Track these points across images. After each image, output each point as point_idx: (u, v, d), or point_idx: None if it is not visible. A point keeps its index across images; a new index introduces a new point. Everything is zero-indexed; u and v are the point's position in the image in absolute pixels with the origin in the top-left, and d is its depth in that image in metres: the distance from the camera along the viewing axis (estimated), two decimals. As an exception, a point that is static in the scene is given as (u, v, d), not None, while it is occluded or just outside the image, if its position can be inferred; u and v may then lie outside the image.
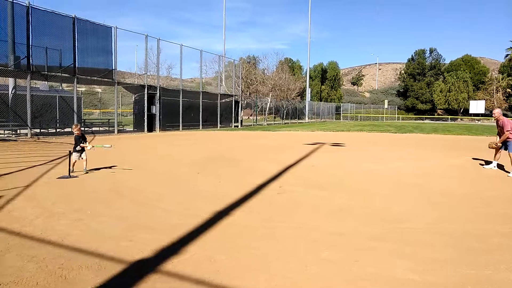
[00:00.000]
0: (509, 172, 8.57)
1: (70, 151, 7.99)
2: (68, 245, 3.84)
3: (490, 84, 72.68)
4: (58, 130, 20.34)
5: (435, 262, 3.51)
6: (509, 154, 8.83)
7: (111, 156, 8.66)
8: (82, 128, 20.65)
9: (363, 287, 3.03)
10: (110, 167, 8.68)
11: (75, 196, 6.02)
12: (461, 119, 69.24)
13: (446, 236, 4.27)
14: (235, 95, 34.00)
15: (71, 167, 7.83)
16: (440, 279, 3.17)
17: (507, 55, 69.07)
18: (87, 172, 8.01)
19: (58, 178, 7.41)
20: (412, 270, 3.33)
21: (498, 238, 4.24)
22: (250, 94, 54.23)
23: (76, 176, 7.57)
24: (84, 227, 4.43)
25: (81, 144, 8.10)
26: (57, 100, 20.96)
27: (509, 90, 71.23)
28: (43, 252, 3.62)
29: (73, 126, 8.40)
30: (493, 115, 9.41)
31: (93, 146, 8.46)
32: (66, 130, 20.05)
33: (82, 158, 8.11)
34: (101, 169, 8.45)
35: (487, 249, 3.90)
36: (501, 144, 9.05)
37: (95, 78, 20.49)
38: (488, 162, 9.90)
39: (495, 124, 9.50)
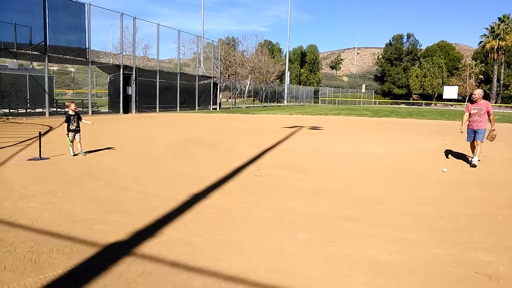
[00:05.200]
0: (472, 158, 8.05)
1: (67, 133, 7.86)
2: (39, 228, 3.72)
3: (463, 70, 74.40)
4: (28, 110, 19.57)
5: (407, 243, 3.61)
6: (478, 143, 8.03)
7: (85, 138, 8.40)
8: (54, 109, 20.05)
9: (338, 267, 3.08)
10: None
11: (46, 178, 5.83)
12: (435, 104, 70.92)
13: (418, 217, 4.39)
14: (213, 77, 33.52)
15: (71, 149, 7.77)
16: (411, 258, 3.26)
17: (480, 42, 70.64)
18: (84, 154, 7.86)
19: (29, 160, 7.16)
20: (385, 250, 3.41)
21: (466, 219, 4.39)
22: (229, 76, 53.69)
23: (47, 158, 7.33)
24: (55, 210, 4.30)
25: (82, 121, 8.02)
26: (27, 79, 20.08)
27: (482, 77, 73.22)
28: (11, 236, 3.50)
29: (68, 103, 8.07)
30: (473, 96, 8.24)
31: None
32: (37, 110, 19.33)
33: (76, 139, 7.90)
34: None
35: (456, 229, 4.03)
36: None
37: (68, 56, 19.71)
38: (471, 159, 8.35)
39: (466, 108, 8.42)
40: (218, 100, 34.41)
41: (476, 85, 71.75)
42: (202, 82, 31.71)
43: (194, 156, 8.45)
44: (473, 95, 8.27)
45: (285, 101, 53.09)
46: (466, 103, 8.42)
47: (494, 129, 8.10)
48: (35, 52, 17.95)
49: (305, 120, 21.34)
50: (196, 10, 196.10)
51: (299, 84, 73.29)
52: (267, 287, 2.75)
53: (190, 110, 29.39)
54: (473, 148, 8.25)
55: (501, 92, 69.29)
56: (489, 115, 8.02)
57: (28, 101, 19.91)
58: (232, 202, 4.87)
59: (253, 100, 49.35)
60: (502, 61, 68.22)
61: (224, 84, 46.34)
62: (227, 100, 50.81)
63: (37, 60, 21.07)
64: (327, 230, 3.91)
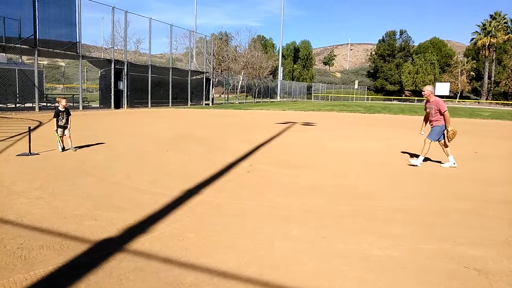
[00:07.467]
0: (417, 159, 7.45)
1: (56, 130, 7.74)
2: (28, 224, 3.68)
3: (455, 67, 74.93)
4: (18, 105, 19.31)
5: (398, 238, 3.63)
6: (425, 141, 7.38)
7: (75, 133, 8.33)
8: (44, 104, 19.79)
9: (330, 262, 3.09)
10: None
11: (36, 174, 5.76)
12: (427, 101, 71.45)
13: (409, 213, 4.42)
14: (206, 72, 33.36)
15: (59, 146, 7.66)
16: (402, 253, 3.29)
17: (472, 39, 71.28)
18: (75, 150, 7.77)
19: (18, 155, 7.06)
20: (377, 246, 3.43)
21: (456, 214, 4.44)
22: (221, 71, 53.43)
23: (37, 153, 7.24)
24: (45, 206, 4.25)
25: (60, 123, 7.72)
26: (17, 74, 19.78)
27: (473, 73, 73.86)
28: (0, 232, 3.45)
29: (59, 99, 7.91)
30: (423, 93, 7.38)
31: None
32: (26, 105, 19.09)
33: (65, 135, 7.80)
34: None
35: (446, 224, 4.07)
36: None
37: (58, 51, 19.46)
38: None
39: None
40: (210, 95, 34.26)
41: (467, 82, 72.38)
42: (194, 77, 31.54)
43: (186, 152, 8.41)
44: (423, 92, 7.42)
45: (278, 97, 53.08)
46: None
47: (448, 130, 7.20)
48: (24, 46, 17.68)
49: (298, 116, 21.35)
50: (188, 4, 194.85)
51: (292, 80, 73.28)
52: (259, 282, 2.75)
53: (182, 105, 29.24)
54: (443, 146, 7.42)
55: (492, 89, 70.04)
56: (441, 114, 7.18)
57: (18, 95, 19.65)
58: (224, 198, 4.86)
59: (246, 96, 49.23)
60: (493, 58, 68.91)
61: (216, 80, 46.14)
62: (220, 95, 50.63)
63: (27, 54, 20.79)
64: (319, 226, 3.92)
